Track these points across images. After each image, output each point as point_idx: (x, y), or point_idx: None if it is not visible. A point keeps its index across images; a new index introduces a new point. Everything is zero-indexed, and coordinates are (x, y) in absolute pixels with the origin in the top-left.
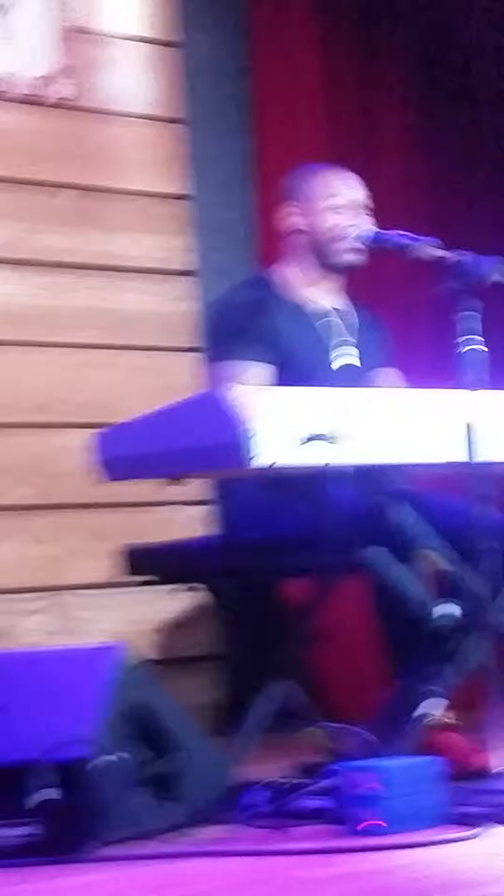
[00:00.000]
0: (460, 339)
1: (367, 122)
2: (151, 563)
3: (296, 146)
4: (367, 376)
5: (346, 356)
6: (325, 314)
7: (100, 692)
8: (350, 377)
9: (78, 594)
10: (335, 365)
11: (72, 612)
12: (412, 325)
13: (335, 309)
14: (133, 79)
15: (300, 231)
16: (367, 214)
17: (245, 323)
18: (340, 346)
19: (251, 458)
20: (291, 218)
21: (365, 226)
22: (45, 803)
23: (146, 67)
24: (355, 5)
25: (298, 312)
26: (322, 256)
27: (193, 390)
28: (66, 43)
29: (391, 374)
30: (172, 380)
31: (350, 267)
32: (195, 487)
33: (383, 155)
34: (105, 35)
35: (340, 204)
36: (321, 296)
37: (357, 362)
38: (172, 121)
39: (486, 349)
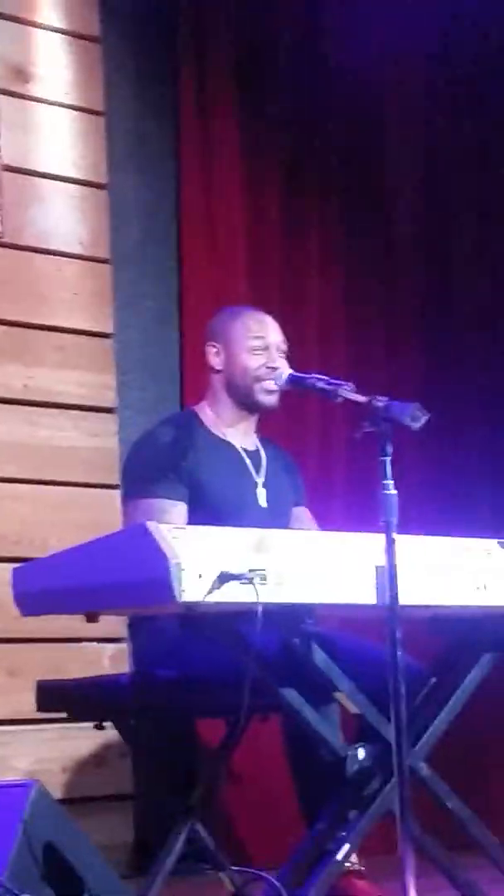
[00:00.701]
0: (381, 482)
1: (289, 267)
2: (62, 700)
3: (219, 288)
4: (281, 516)
5: (259, 498)
6: (242, 454)
7: (10, 831)
8: (264, 519)
9: None
10: (253, 506)
11: None
12: (328, 465)
13: (245, 449)
14: (61, 218)
15: (219, 371)
16: (283, 357)
17: (165, 461)
18: (255, 487)
19: (180, 594)
20: (211, 357)
21: (281, 368)
22: None
23: (74, 207)
24: (282, 152)
25: (220, 451)
26: (237, 396)
27: (112, 526)
28: None
29: (301, 513)
30: (92, 516)
31: (262, 409)
32: (110, 624)
33: (304, 299)
34: (35, 174)
35: (257, 346)
36: (235, 435)
37: (265, 504)
38: (98, 260)
39: (395, 493)
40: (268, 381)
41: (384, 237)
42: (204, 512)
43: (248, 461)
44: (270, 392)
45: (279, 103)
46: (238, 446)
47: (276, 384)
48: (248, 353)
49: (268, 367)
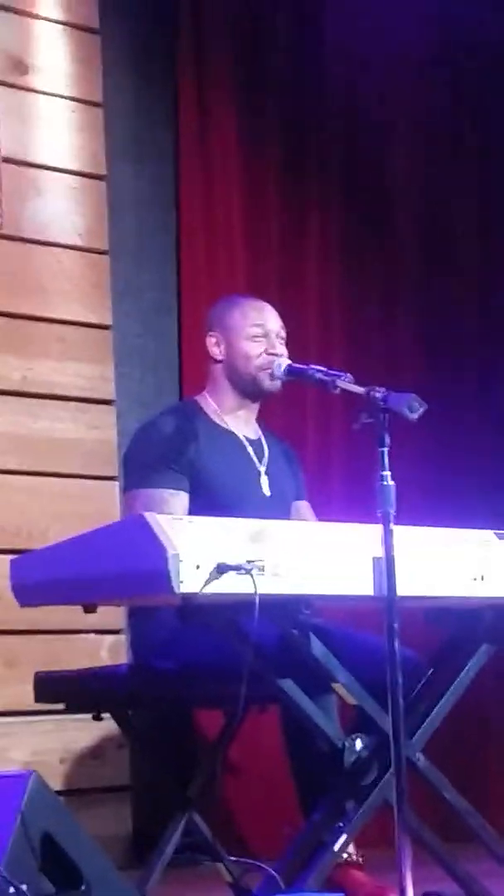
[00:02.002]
0: (379, 473)
1: (287, 256)
2: (60, 691)
3: (217, 278)
4: (283, 505)
5: (262, 486)
6: (244, 443)
7: (8, 821)
8: (267, 507)
9: None
10: (256, 494)
11: None
12: (326, 456)
13: (247, 438)
14: (60, 209)
15: (220, 360)
16: (282, 343)
17: (166, 451)
18: (258, 475)
19: (178, 585)
20: (211, 347)
21: (281, 356)
22: None
23: (73, 198)
24: (280, 141)
25: (222, 439)
26: (239, 384)
27: (110, 518)
28: None
29: (303, 507)
30: (91, 507)
31: (265, 395)
32: (108, 615)
33: (303, 287)
34: (34, 166)
35: (257, 333)
36: (237, 424)
37: (267, 492)
38: (97, 251)
39: (393, 483)
40: (268, 369)
41: (383, 226)
42: (207, 501)
43: (250, 449)
44: (271, 378)
45: (278, 93)
46: (240, 435)
47: (276, 373)
48: (248, 341)
49: (268, 354)
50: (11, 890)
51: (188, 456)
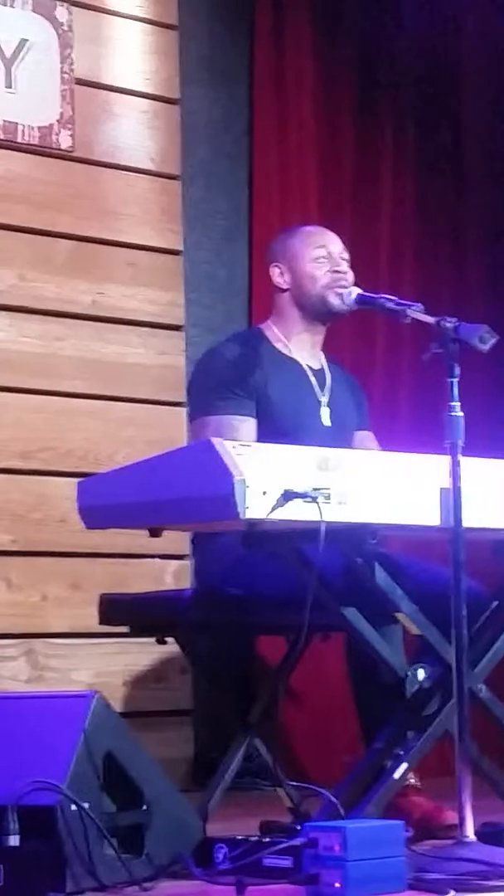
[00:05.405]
0: (447, 404)
1: (359, 187)
2: (124, 614)
3: (288, 206)
4: (343, 436)
5: (323, 416)
6: (307, 372)
7: (71, 740)
8: (326, 438)
9: (51, 642)
10: (316, 424)
11: (43, 660)
12: (394, 387)
13: (310, 367)
14: (132, 133)
15: (286, 289)
16: (346, 264)
17: (232, 378)
18: (319, 405)
19: (243, 511)
20: (276, 278)
21: (345, 273)
22: (6, 850)
23: (145, 122)
24: (356, 67)
25: (285, 367)
26: (307, 308)
27: (178, 443)
28: (67, 95)
29: (366, 437)
30: (157, 432)
31: (334, 316)
32: (174, 541)
33: (375, 216)
34: (107, 88)
35: (321, 255)
36: (301, 352)
37: (328, 422)
38: (168, 176)
39: (461, 414)
40: (338, 288)
41: (455, 158)
42: (267, 428)
43: (312, 379)
44: (338, 296)
45: (354, 17)
46: (304, 364)
47: (344, 302)
48: (312, 263)
49: (334, 272)
50: (73, 807)
51: (253, 382)
